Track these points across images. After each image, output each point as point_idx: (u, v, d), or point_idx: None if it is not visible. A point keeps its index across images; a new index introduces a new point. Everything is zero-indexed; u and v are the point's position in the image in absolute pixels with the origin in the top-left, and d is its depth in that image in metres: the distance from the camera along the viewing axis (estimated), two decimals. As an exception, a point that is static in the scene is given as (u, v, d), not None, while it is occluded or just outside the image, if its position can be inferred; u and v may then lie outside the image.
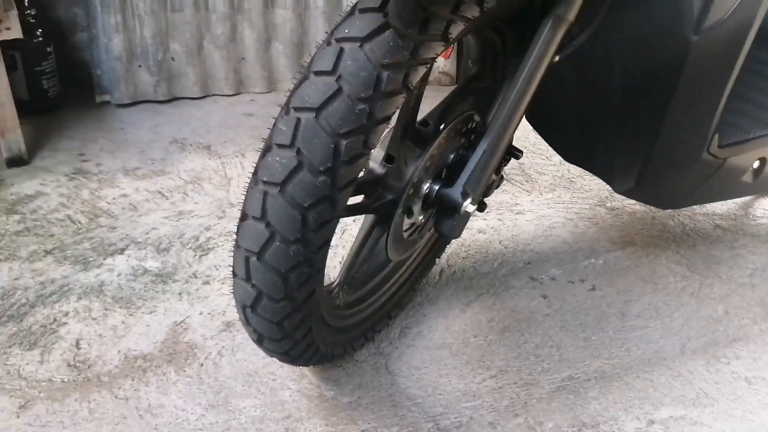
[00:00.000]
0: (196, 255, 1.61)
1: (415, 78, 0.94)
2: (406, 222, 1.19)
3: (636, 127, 1.29)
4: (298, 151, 0.90)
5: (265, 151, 0.94)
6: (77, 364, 1.31)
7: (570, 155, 1.49)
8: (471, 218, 1.73)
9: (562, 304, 1.52)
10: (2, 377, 1.27)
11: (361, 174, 1.17)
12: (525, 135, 2.12)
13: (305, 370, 1.31)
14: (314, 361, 1.19)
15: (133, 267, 1.57)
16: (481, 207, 1.26)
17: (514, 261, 1.64)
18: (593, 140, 1.42)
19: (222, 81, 2.35)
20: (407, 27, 0.92)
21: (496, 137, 1.16)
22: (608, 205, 1.85)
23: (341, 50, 0.91)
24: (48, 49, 2.09)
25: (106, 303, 1.46)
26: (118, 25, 2.13)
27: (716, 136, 1.25)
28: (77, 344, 1.35)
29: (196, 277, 1.54)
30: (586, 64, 1.35)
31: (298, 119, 0.91)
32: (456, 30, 0.97)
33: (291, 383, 1.29)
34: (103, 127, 2.12)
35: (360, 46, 0.91)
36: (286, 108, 0.93)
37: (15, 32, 1.72)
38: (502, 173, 1.32)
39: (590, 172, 1.46)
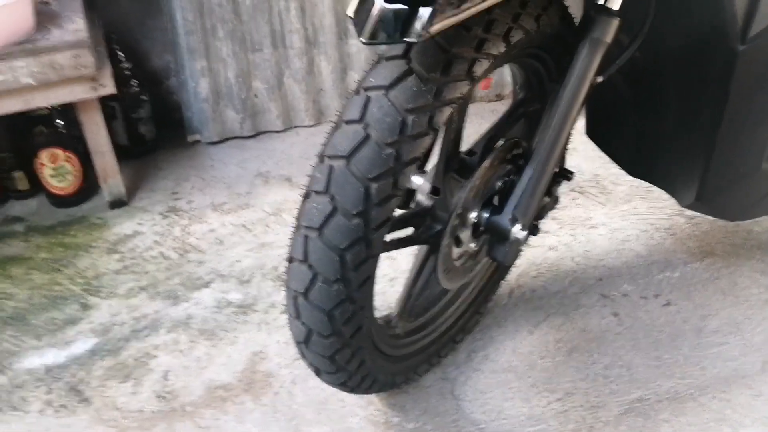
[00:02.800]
0: (275, 285, 1.69)
1: (442, 118, 0.97)
2: (457, 251, 1.22)
3: (693, 139, 1.26)
4: (332, 197, 0.96)
5: (305, 197, 1.00)
6: (165, 395, 1.42)
7: (633, 169, 1.46)
8: (542, 235, 1.73)
9: (634, 321, 1.49)
10: (100, 408, 1.40)
11: (411, 207, 1.22)
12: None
13: (372, 397, 1.36)
14: (375, 389, 1.24)
15: (217, 299, 1.67)
16: (534, 231, 1.27)
17: (585, 278, 1.62)
18: (654, 153, 1.39)
19: (303, 113, 2.45)
20: (430, 71, 0.96)
21: (541, 161, 1.17)
22: (687, 213, 1.79)
23: (368, 98, 0.96)
24: (143, 97, 2.26)
25: (192, 335, 1.56)
26: (204, 69, 2.27)
27: (777, 145, 1.20)
28: (165, 376, 1.46)
29: (274, 307, 1.63)
30: (640, 77, 1.34)
31: (331, 167, 0.96)
32: (481, 68, 1.00)
33: (359, 410, 1.34)
34: (194, 165, 2.26)
35: (385, 94, 0.95)
36: (320, 156, 0.99)
37: (109, 89, 1.87)
38: (556, 195, 1.32)
39: (655, 185, 1.43)
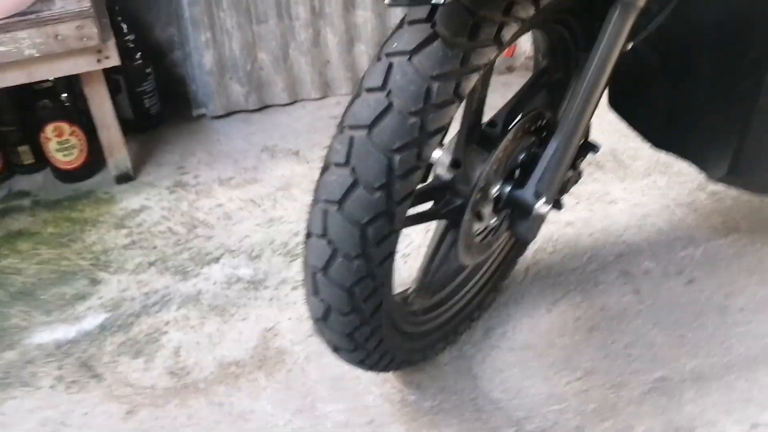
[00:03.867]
0: (285, 260, 1.66)
1: (468, 86, 0.93)
2: (478, 226, 1.18)
3: (728, 110, 1.21)
4: (353, 170, 0.92)
5: (324, 169, 0.96)
6: (177, 371, 1.39)
7: (660, 142, 1.42)
8: (561, 211, 1.69)
9: (655, 299, 1.45)
10: (112, 385, 1.37)
11: (430, 180, 1.18)
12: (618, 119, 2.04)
13: (388, 374, 1.33)
14: (392, 367, 1.21)
15: (227, 275, 1.64)
16: (557, 206, 1.23)
17: (604, 254, 1.58)
18: (684, 126, 1.35)
19: (309, 85, 2.40)
20: (456, 35, 0.91)
21: (567, 134, 1.13)
22: (709, 189, 1.74)
23: (390, 65, 0.92)
24: (147, 71, 2.21)
25: (203, 311, 1.53)
26: (208, 41, 2.22)
27: (813, 118, 1.15)
28: (177, 352, 1.43)
29: (285, 283, 1.59)
30: (670, 46, 1.29)
31: (352, 137, 0.92)
32: (510, 32, 0.95)
33: (374, 387, 1.31)
34: (200, 140, 2.22)
35: (409, 60, 0.91)
36: (340, 126, 0.95)
37: (114, 60, 1.83)
38: (580, 169, 1.28)
39: (682, 158, 1.39)
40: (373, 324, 1.04)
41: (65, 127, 1.96)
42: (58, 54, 1.75)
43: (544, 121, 1.19)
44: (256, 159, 2.11)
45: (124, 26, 2.13)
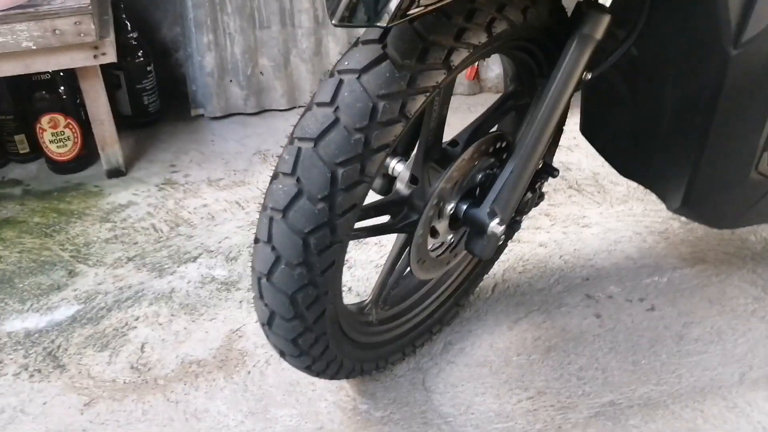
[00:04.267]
0: (260, 264, 1.69)
1: (414, 106, 0.95)
2: (433, 241, 1.20)
3: (683, 142, 1.23)
4: (298, 180, 0.95)
5: (273, 178, 0.99)
6: (139, 367, 1.42)
7: (624, 169, 1.44)
8: (534, 231, 1.71)
9: (615, 324, 1.47)
10: (74, 376, 1.40)
11: (389, 195, 1.21)
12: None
13: (344, 382, 1.36)
14: (342, 375, 1.23)
15: (202, 275, 1.67)
16: (515, 226, 1.25)
17: (571, 277, 1.60)
18: (645, 154, 1.37)
19: (308, 93, 2.43)
20: (405, 57, 0.94)
21: (523, 157, 1.15)
22: (683, 219, 1.75)
23: (340, 82, 0.95)
24: (148, 68, 2.25)
25: (173, 309, 1.57)
26: (210, 43, 2.27)
27: (765, 154, 1.16)
28: (142, 348, 1.47)
29: (256, 287, 1.62)
30: (636, 75, 1.31)
31: (299, 149, 0.95)
32: (459, 57, 0.97)
33: (328, 395, 1.34)
34: (195, 139, 2.26)
35: (358, 78, 0.94)
36: (290, 137, 0.98)
37: (110, 57, 1.87)
38: (540, 191, 1.30)
39: (645, 187, 1.41)
40: (318, 331, 1.07)
41: (60, 119, 2.01)
42: (55, 48, 1.80)
43: (503, 144, 1.21)
44: (248, 162, 2.14)
45: (128, 24, 2.18)
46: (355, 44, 0.97)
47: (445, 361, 1.40)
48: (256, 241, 1.02)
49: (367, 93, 0.93)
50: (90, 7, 1.78)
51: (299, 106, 2.47)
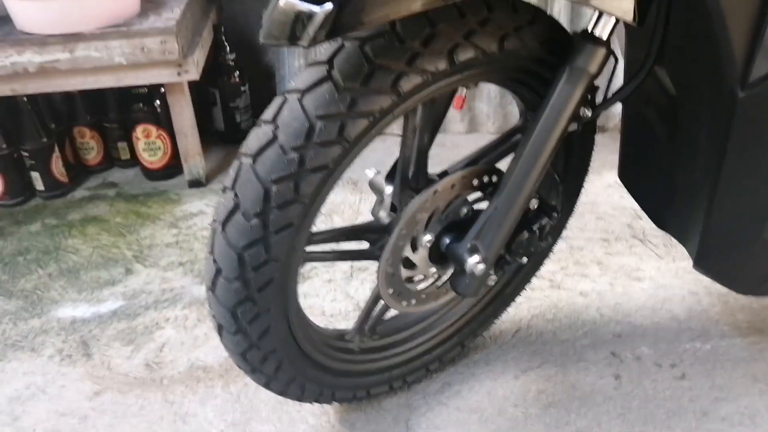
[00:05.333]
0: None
1: (355, 130, 0.94)
2: (408, 273, 1.16)
3: (696, 193, 1.10)
4: (236, 195, 0.96)
5: (222, 190, 1.01)
6: (153, 365, 1.49)
7: (659, 220, 1.31)
8: (579, 278, 1.60)
9: (633, 388, 1.33)
10: (95, 365, 1.50)
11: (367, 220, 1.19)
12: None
13: (329, 408, 1.34)
14: (309, 398, 1.22)
15: (239, 286, 1.72)
16: (503, 268, 1.17)
17: (602, 332, 1.47)
18: (681, 205, 1.24)
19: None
20: (347, 80, 0.93)
21: (508, 194, 1.10)
22: (750, 282, 1.56)
23: (284, 101, 0.95)
24: (243, 88, 2.38)
25: (201, 315, 1.63)
26: (301, 67, 2.36)
27: (783, 213, 1.01)
28: (162, 347, 1.54)
29: (283, 303, 1.65)
30: (674, 118, 1.19)
31: (240, 164, 0.97)
32: (411, 83, 0.94)
33: (311, 418, 1.33)
34: (279, 158, 2.35)
35: (299, 98, 0.94)
36: (238, 153, 1.00)
37: (192, 75, 2.01)
38: (545, 233, 1.21)
39: (679, 241, 1.27)
40: (265, 348, 1.07)
41: (153, 129, 2.18)
42: (143, 64, 1.96)
43: (493, 178, 1.15)
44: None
45: (227, 45, 2.32)
46: (310, 64, 0.97)
47: (436, 401, 1.34)
48: (208, 252, 1.04)
49: (305, 113, 0.92)
50: (175, 27, 1.92)
51: (392, 133, 2.48)
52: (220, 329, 1.07)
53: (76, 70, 1.95)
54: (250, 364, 1.09)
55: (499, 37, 1.00)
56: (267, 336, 1.05)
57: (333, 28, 0.82)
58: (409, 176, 1.13)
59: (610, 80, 1.15)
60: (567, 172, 1.29)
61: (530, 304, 1.56)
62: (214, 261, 1.00)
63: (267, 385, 1.15)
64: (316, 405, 1.34)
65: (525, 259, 1.20)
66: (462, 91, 1.11)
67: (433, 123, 1.13)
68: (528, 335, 1.48)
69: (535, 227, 1.18)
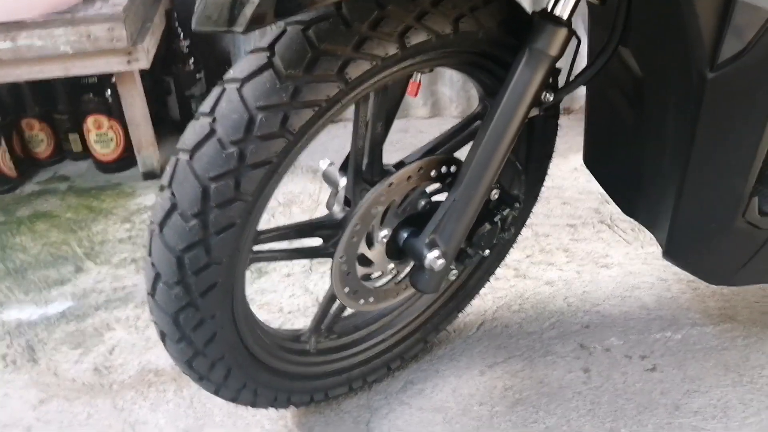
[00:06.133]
0: (251, 277, 1.65)
1: (299, 121, 0.87)
2: (364, 270, 1.10)
3: (665, 179, 1.05)
4: (173, 194, 0.89)
5: (159, 189, 0.94)
6: (102, 369, 1.42)
7: (626, 207, 1.26)
8: (544, 267, 1.55)
9: (603, 381, 1.29)
10: (41, 372, 1.42)
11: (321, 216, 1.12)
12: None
13: (287, 411, 1.28)
14: (263, 404, 1.15)
15: (195, 283, 1.65)
16: (464, 262, 1.12)
17: (570, 323, 1.43)
18: (649, 194, 1.19)
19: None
20: (289, 67, 0.86)
21: (467, 185, 1.04)
22: (720, 268, 1.52)
23: (222, 91, 0.88)
24: (198, 76, 2.29)
25: (155, 315, 1.55)
26: (259, 52, 2.27)
27: (755, 200, 0.96)
28: (112, 350, 1.47)
29: (240, 300, 1.58)
30: (641, 101, 1.14)
31: (177, 160, 0.89)
32: (359, 69, 0.88)
33: (267, 422, 1.27)
34: (238, 147, 2.27)
35: (238, 88, 0.87)
36: (176, 149, 0.92)
37: (143, 63, 1.91)
38: (507, 224, 1.15)
39: (647, 229, 1.23)
40: (212, 356, 1.00)
41: (104, 120, 2.09)
42: (90, 52, 1.86)
43: (452, 168, 1.09)
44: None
45: (181, 32, 2.23)
46: (249, 51, 0.90)
47: (398, 401, 1.28)
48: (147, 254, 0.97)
49: (244, 104, 0.85)
50: (122, 14, 1.83)
51: (347, 120, 2.41)
52: (163, 336, 1.00)
53: (19, 60, 1.85)
54: (197, 372, 1.03)
55: (453, 18, 0.94)
56: (213, 343, 0.99)
57: (274, 10, 0.75)
58: (363, 168, 1.06)
59: (573, 62, 1.10)
60: (529, 159, 1.24)
61: (495, 294, 1.51)
62: (153, 265, 0.93)
63: (217, 393, 1.08)
64: (274, 410, 1.28)
65: (487, 252, 1.15)
66: (417, 77, 1.05)
67: (388, 111, 1.06)
68: (493, 328, 1.43)
69: (497, 218, 1.12)
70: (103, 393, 1.36)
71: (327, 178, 1.16)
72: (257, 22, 0.75)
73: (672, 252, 1.05)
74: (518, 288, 1.53)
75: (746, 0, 0.83)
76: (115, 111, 2.09)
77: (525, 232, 1.45)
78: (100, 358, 1.45)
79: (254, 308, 1.50)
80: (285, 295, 1.58)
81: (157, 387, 1.36)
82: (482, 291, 1.39)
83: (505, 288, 1.53)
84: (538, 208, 1.37)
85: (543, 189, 1.32)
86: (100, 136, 2.10)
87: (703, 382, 1.26)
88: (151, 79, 2.18)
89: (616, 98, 1.22)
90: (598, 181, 1.30)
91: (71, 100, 2.14)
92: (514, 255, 1.62)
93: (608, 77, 1.15)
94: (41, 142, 2.17)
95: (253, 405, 1.14)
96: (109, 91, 2.08)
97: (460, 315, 1.38)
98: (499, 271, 1.40)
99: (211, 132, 0.86)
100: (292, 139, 0.87)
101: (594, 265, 1.57)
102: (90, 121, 2.09)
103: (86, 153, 2.20)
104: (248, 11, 0.75)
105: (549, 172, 1.30)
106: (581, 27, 1.78)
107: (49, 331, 1.53)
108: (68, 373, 1.42)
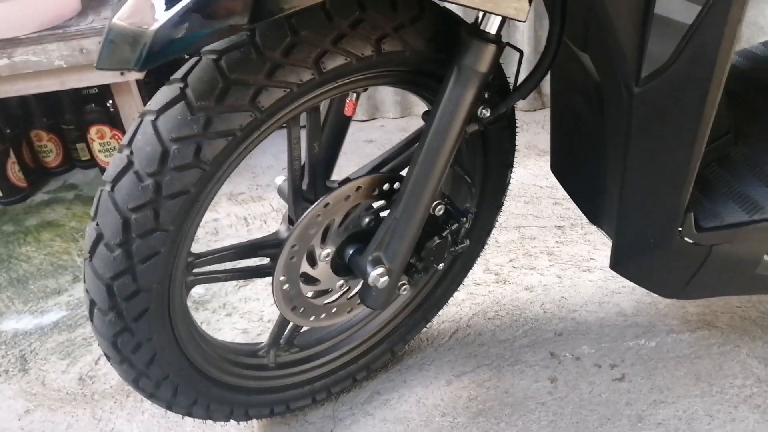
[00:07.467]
0: (237, 285, 1.68)
1: (212, 151, 0.88)
2: (310, 288, 1.11)
3: (609, 190, 1.02)
4: (98, 225, 0.91)
5: (91, 219, 0.96)
6: (86, 379, 1.47)
7: (591, 214, 1.24)
8: (526, 271, 1.53)
9: (569, 392, 1.27)
10: (30, 381, 1.48)
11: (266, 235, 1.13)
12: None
13: (255, 422, 1.30)
14: (219, 418, 1.18)
15: (183, 291, 1.69)
16: (412, 276, 1.11)
17: (543, 330, 1.41)
18: (609, 202, 1.16)
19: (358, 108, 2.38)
20: (201, 98, 0.87)
21: (408, 200, 1.03)
22: (703, 271, 1.47)
23: (140, 123, 0.90)
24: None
25: (142, 324, 1.60)
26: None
27: (690, 216, 0.93)
28: (97, 360, 1.51)
29: (223, 308, 1.61)
30: (601, 107, 1.11)
31: (101, 192, 0.92)
32: (272, 97, 0.88)
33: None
34: (240, 151, 2.29)
35: (153, 120, 0.88)
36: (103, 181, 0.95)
37: (137, 74, 1.95)
38: (458, 237, 1.14)
39: (610, 239, 1.20)
40: (156, 376, 1.03)
41: (106, 130, 2.14)
42: (84, 66, 1.91)
43: (396, 185, 1.08)
44: (274, 176, 2.14)
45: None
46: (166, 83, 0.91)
47: (363, 412, 1.29)
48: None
49: (158, 136, 0.87)
50: (112, 26, 1.86)
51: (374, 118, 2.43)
52: (108, 358, 1.03)
53: (17, 75, 1.90)
54: (145, 390, 1.05)
55: (375, 39, 0.93)
56: (154, 363, 1.01)
57: (162, 48, 0.76)
58: (304, 187, 1.07)
59: (517, 74, 1.08)
60: (488, 171, 1.22)
61: (473, 301, 1.50)
62: (87, 292, 0.95)
63: (170, 408, 1.11)
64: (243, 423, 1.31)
65: (441, 266, 1.14)
66: (352, 96, 1.04)
67: (333, 129, 1.07)
68: (466, 335, 1.43)
69: (446, 232, 1.11)
70: (84, 403, 1.41)
71: (281, 194, 1.17)
72: (151, 60, 0.76)
73: (618, 264, 1.03)
74: (497, 294, 1.52)
75: (662, 14, 0.80)
76: (117, 121, 2.14)
77: (512, 234, 1.43)
78: (86, 368, 1.50)
79: (235, 317, 1.54)
80: (267, 303, 1.60)
81: (135, 397, 1.40)
82: (461, 297, 1.38)
83: (483, 294, 1.51)
84: (527, 209, 1.36)
85: (536, 189, 1.29)
86: (104, 145, 2.15)
87: (671, 393, 1.23)
88: (150, 88, 2.21)
89: (578, 105, 1.19)
90: (564, 188, 1.28)
91: (76, 111, 2.19)
92: (497, 259, 1.61)
93: (571, 84, 1.12)
94: (50, 152, 2.24)
95: (209, 419, 1.17)
96: (110, 102, 2.12)
97: (428, 326, 1.37)
98: (480, 276, 1.39)
99: (129, 164, 0.88)
100: (208, 169, 0.88)
101: (576, 269, 1.55)
102: (93, 132, 2.14)
103: (95, 161, 2.26)
104: (141, 50, 0.76)
105: (542, 172, 1.28)
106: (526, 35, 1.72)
107: (42, 341, 1.59)
108: (55, 383, 1.47)
